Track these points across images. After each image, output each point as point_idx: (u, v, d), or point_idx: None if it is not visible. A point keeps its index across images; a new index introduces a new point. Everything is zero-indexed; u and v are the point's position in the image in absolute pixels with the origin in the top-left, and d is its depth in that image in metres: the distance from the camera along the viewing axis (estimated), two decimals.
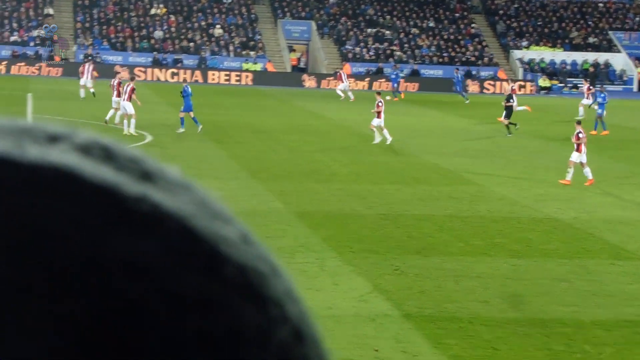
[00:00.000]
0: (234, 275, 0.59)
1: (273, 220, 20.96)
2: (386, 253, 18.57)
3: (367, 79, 65.37)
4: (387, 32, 72.12)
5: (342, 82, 55.07)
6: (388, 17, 73.66)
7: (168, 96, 44.48)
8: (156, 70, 64.07)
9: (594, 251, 19.38)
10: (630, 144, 37.62)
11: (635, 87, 71.40)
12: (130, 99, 35.69)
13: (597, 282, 17.05)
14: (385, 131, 33.85)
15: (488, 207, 23.38)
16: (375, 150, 33.03)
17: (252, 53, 68.13)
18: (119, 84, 37.39)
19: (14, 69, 61.21)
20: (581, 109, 47.69)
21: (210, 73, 64.47)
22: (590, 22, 76.18)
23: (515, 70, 71.23)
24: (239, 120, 39.64)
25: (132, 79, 38.81)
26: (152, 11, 70.76)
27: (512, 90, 43.13)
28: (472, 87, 65.96)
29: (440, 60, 70.47)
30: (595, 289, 16.60)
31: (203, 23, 70.42)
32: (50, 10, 69.20)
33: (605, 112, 41.21)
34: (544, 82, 68.35)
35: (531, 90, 66.85)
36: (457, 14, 75.08)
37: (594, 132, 40.07)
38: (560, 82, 69.93)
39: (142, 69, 63.75)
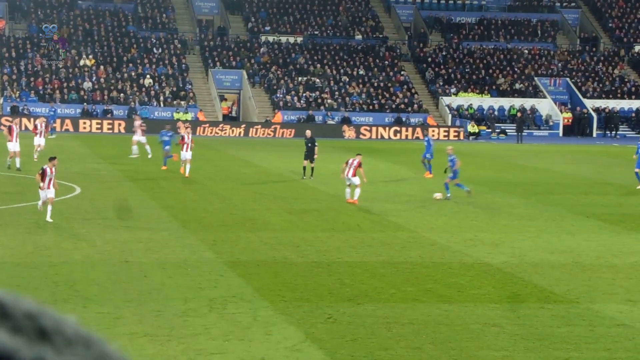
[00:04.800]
0: None
1: (205, 270, 20.81)
2: (319, 301, 18.54)
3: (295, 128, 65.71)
4: (318, 80, 72.66)
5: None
6: (318, 65, 74.26)
7: (97, 147, 44.11)
8: (86, 122, 63.59)
9: (523, 295, 19.59)
10: (557, 188, 38.29)
11: (560, 132, 72.87)
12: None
13: (527, 325, 17.21)
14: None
15: (420, 253, 23.53)
16: (308, 197, 33.10)
17: (182, 103, 68.02)
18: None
19: None
20: None
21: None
22: (516, 69, 77.72)
23: (445, 116, 72.21)
24: (170, 169, 39.46)
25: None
26: (81, 62, 70.33)
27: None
28: (404, 133, 66.66)
29: (371, 107, 71.15)
30: (525, 332, 16.75)
31: (133, 74, 70.18)
32: None
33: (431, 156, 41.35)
34: (472, 128, 69.37)
35: (457, 136, 67.75)
36: (386, 62, 76.01)
37: (428, 174, 40.50)
38: (488, 128, 71.06)
39: (70, 121, 63.21)
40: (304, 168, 38.52)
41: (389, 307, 18.21)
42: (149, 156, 43.85)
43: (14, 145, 38.57)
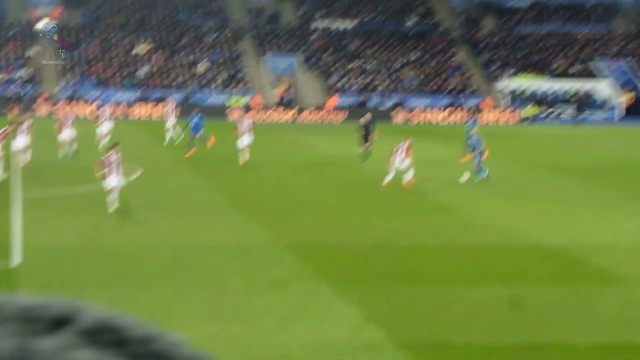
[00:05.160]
0: None
1: (264, 253, 20.92)
2: (378, 283, 18.54)
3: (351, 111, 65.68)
4: (371, 65, 72.49)
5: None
6: (371, 50, 74.05)
7: (153, 133, 44.53)
8: (142, 107, 64.16)
9: (585, 277, 19.40)
10: (616, 171, 37.80)
11: (618, 115, 71.88)
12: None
13: (589, 307, 17.06)
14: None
15: (478, 236, 23.41)
16: (364, 181, 33.08)
17: (237, 88, 68.32)
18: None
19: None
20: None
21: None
22: (572, 52, 76.77)
23: (499, 100, 71.62)
24: (229, 154, 39.68)
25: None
26: (137, 49, 70.94)
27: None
28: (460, 116, 66.32)
29: (424, 91, 70.83)
30: (587, 314, 16.60)
31: (188, 59, 70.60)
32: (32, 52, 69.29)
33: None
34: (528, 111, 68.72)
35: (512, 119, 67.16)
36: (439, 47, 75.53)
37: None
38: (545, 111, 70.33)
39: (127, 106, 63.85)
40: (362, 153, 38.40)
41: (449, 289, 18.16)
42: (166, 142, 43.54)
43: (68, 134, 38.35)
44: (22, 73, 66.75)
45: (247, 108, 64.29)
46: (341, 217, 25.62)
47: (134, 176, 32.51)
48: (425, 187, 31.52)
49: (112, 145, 26.52)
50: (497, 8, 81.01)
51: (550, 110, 70.49)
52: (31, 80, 66.52)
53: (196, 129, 40.42)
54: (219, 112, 64.38)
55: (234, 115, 63.77)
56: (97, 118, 44.17)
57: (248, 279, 18.51)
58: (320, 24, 76.52)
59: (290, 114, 65.13)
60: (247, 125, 37.76)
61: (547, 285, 18.54)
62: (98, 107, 47.48)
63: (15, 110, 57.60)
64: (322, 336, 15.08)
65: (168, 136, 44.66)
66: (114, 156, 25.59)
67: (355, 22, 77.03)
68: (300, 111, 65.63)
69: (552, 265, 20.31)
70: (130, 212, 25.34)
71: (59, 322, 0.61)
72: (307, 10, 77.83)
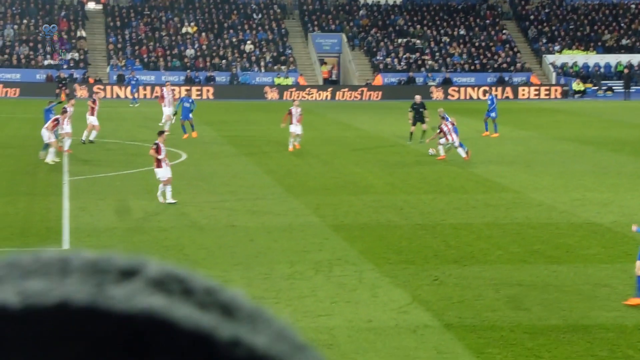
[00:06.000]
0: None
1: (310, 234, 20.95)
2: (424, 263, 18.48)
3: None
4: (418, 41, 72.04)
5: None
6: (418, 26, 73.58)
7: (200, 114, 44.72)
8: (189, 88, 64.49)
9: (635, 254, 19.15)
10: None
11: None
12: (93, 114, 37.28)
13: None
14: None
15: (526, 214, 23.21)
16: (409, 160, 32.94)
17: (283, 68, 68.34)
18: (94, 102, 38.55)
19: (50, 92, 61.62)
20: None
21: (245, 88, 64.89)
22: (622, 24, 75.58)
23: (549, 74, 70.83)
24: (272, 135, 39.74)
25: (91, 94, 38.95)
26: (183, 30, 71.23)
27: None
28: (507, 93, 65.72)
29: (472, 67, 70.28)
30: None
31: (234, 40, 70.77)
32: (83, 33, 69.88)
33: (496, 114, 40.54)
34: (577, 85, 67.88)
35: (561, 94, 66.38)
36: (487, 21, 74.84)
37: (486, 133, 39.88)
38: (594, 85, 69.41)
39: (175, 87, 64.20)
40: (411, 133, 38.11)
41: (495, 269, 18.04)
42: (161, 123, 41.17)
43: (92, 119, 37.47)
44: (72, 55, 67.39)
45: (297, 87, 64.26)
46: (387, 197, 25.55)
47: (179, 160, 32.70)
48: (471, 166, 31.31)
49: (159, 133, 25.76)
50: None
51: (600, 84, 69.54)
52: (80, 62, 67.14)
53: (185, 114, 38.45)
54: (262, 93, 64.50)
55: (272, 95, 63.68)
56: (162, 99, 42.60)
57: (293, 261, 18.56)
58: (367, 0, 76.16)
59: (333, 93, 64.92)
60: (297, 113, 36.29)
61: (595, 265, 18.34)
62: (162, 89, 45.52)
63: (64, 94, 58.19)
64: (367, 319, 15.08)
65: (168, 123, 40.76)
66: (162, 144, 24.78)
67: None
68: (343, 89, 65.45)
69: (600, 244, 20.09)
70: (178, 193, 25.49)
71: (126, 273, 0.64)
72: None
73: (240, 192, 26.26)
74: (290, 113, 35.87)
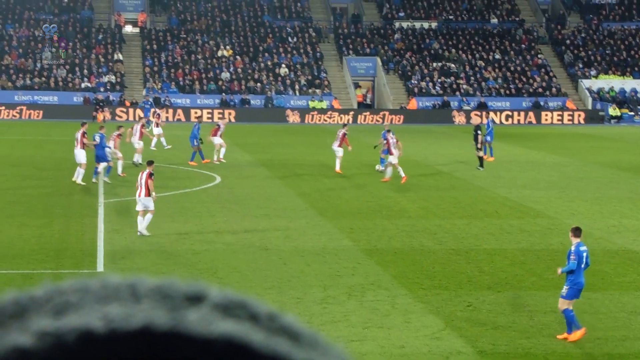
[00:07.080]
0: None
1: (343, 258, 20.90)
2: (458, 289, 18.37)
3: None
4: (453, 65, 71.96)
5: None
6: (453, 50, 73.53)
7: (235, 137, 44.85)
8: (223, 111, 64.81)
9: None
10: None
11: None
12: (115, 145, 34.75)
13: None
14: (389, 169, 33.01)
15: (560, 240, 23.01)
16: (444, 184, 32.83)
17: (317, 91, 68.50)
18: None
19: (87, 115, 62.20)
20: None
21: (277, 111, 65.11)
22: None
23: (585, 99, 70.41)
24: (306, 158, 39.77)
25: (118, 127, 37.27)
26: (219, 53, 71.69)
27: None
28: (544, 118, 65.37)
29: (507, 92, 70.05)
30: None
31: (269, 63, 71.09)
32: (120, 56, 70.56)
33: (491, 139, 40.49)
34: (614, 111, 67.41)
35: (596, 119, 65.87)
36: (523, 45, 74.64)
37: (491, 159, 39.58)
38: (631, 111, 68.90)
39: (210, 111, 64.56)
40: (480, 158, 37.17)
41: (530, 295, 17.89)
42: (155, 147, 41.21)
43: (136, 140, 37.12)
44: (108, 78, 68.02)
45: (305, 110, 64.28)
46: (421, 221, 25.46)
47: (213, 183, 32.80)
48: (506, 190, 31.14)
49: (148, 163, 24.98)
50: (583, 4, 79.66)
51: (637, 109, 68.98)
52: (117, 85, 67.75)
53: (192, 139, 38.03)
54: (299, 116, 64.66)
55: (294, 118, 63.86)
56: (215, 131, 39.31)
57: (326, 285, 18.52)
58: (402, 24, 76.27)
59: (368, 117, 64.88)
60: (341, 134, 35.79)
61: (630, 292, 18.12)
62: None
63: (101, 116, 58.66)
64: (400, 344, 15.00)
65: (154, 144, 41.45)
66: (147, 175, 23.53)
67: (437, 21, 76.56)
68: (378, 113, 65.43)
69: (636, 272, 19.86)
70: (211, 216, 25.55)
71: (192, 299, 0.64)
72: (388, 11, 77.64)
73: (274, 215, 26.28)
74: (386, 142, 34.53)
